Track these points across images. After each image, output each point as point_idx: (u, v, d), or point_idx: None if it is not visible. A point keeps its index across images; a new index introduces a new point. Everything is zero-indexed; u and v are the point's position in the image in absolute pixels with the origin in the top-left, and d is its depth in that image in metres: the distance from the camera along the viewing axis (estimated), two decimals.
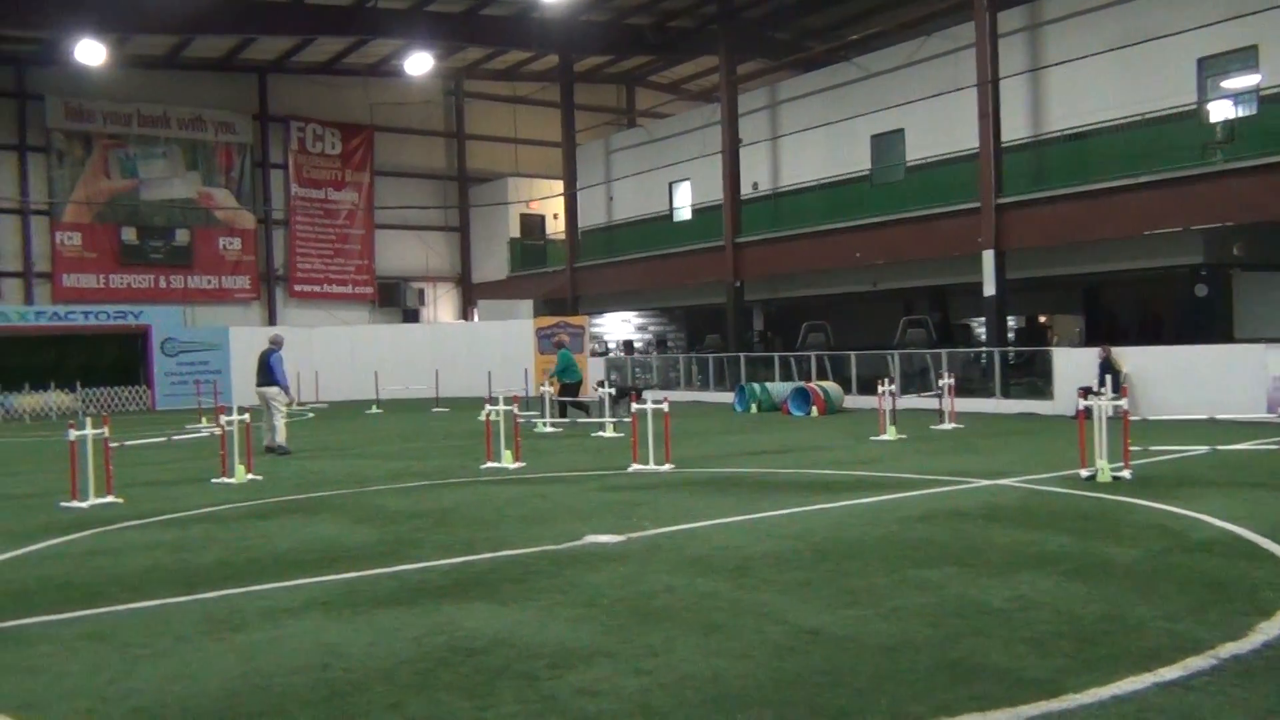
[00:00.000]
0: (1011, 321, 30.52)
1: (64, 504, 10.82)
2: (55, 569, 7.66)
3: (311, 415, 26.48)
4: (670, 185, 35.94)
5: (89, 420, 11.56)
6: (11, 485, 13.15)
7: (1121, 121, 22.59)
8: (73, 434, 11.12)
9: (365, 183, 40.13)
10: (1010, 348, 25.42)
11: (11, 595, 6.82)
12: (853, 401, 23.17)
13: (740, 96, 31.57)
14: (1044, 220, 22.80)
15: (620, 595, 6.34)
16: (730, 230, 30.08)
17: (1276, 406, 16.33)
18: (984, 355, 23.53)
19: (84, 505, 10.70)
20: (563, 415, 20.82)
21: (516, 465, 13.34)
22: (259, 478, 12.80)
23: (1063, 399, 19.85)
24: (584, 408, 21.79)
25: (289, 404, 16.45)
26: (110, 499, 10.96)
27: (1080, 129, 23.55)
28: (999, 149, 23.56)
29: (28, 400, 28.17)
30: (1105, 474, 10.62)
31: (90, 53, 29.94)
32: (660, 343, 40.63)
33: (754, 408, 23.64)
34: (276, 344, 16.85)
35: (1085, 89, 23.91)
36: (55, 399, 28.49)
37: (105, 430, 11.48)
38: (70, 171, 34.49)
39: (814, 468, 12.71)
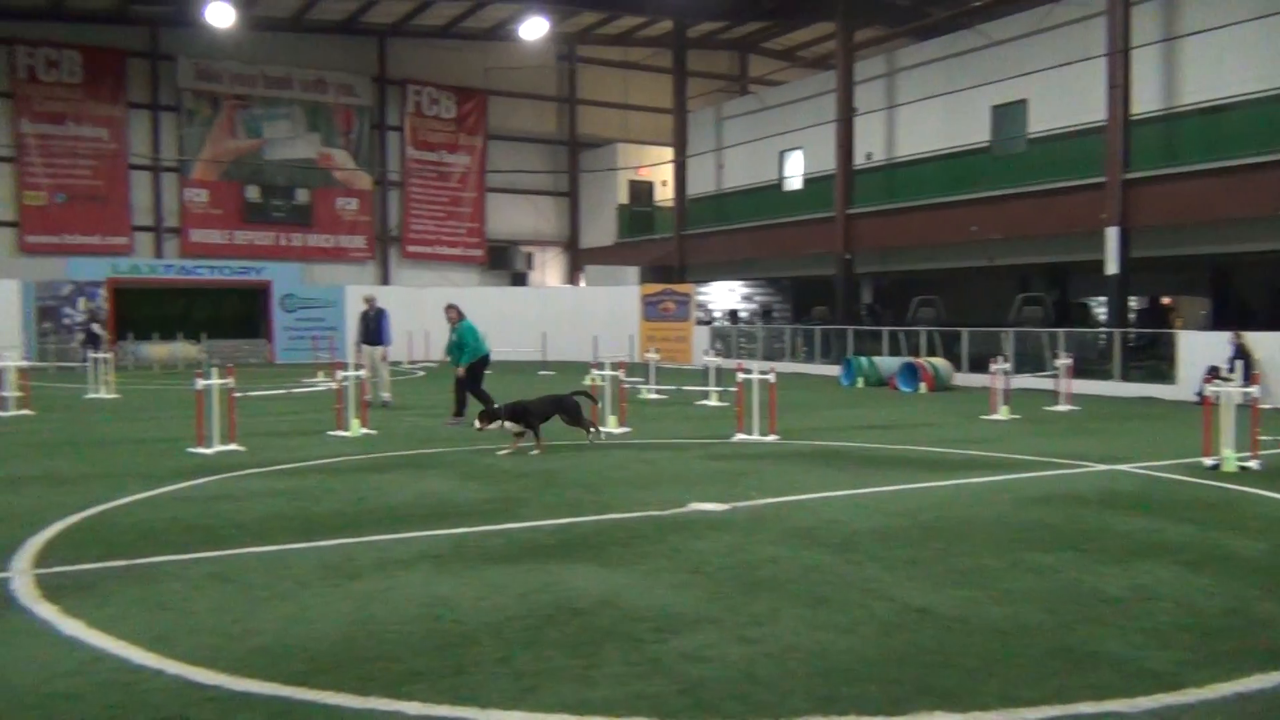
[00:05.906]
0: (1133, 302, 29.38)
1: (191, 450, 11.31)
2: (183, 511, 8.02)
3: (422, 374, 27.08)
4: (781, 154, 35.47)
5: (215, 370, 12.04)
6: (142, 430, 13.80)
7: (1260, 95, 21.43)
8: (200, 383, 11.61)
9: (478, 146, 40.62)
10: (1131, 329, 24.51)
11: (144, 534, 7.17)
12: (963, 379, 22.67)
13: (856, 64, 30.87)
14: (1173, 197, 21.84)
15: (725, 563, 6.34)
16: (842, 201, 29.59)
17: None
18: (1103, 336, 22.76)
19: (209, 452, 11.17)
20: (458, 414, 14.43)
21: (621, 430, 13.43)
22: (373, 432, 13.17)
23: (1186, 384, 19.09)
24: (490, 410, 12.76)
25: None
26: (233, 447, 11.42)
27: (1216, 102, 22.42)
28: (1128, 122, 22.62)
29: (157, 350, 29.50)
30: (1231, 463, 10.20)
31: (220, 14, 30.91)
32: (766, 313, 40.31)
33: (860, 382, 23.33)
34: (371, 304, 17.55)
35: (1222, 61, 22.72)
36: (181, 349, 29.76)
37: (230, 381, 11.93)
38: (199, 130, 35.71)
39: (922, 445, 12.51)
